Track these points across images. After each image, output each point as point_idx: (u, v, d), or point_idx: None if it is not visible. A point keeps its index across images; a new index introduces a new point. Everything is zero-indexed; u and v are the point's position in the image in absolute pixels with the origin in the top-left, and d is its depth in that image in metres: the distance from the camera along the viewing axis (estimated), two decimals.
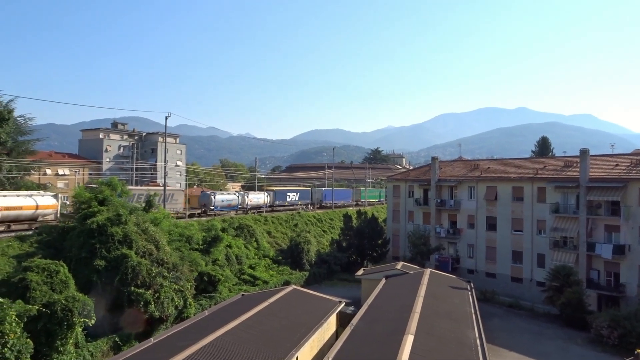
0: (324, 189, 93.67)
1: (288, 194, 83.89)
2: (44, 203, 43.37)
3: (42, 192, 45.98)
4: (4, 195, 40.84)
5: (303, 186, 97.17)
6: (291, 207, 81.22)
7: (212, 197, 66.19)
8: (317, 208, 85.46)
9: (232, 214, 66.62)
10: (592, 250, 46.28)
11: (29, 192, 44.42)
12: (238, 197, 70.60)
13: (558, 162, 56.53)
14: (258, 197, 74.80)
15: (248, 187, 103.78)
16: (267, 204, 76.16)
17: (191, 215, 61.37)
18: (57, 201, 45.28)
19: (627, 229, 44.23)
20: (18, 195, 42.49)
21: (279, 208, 78.70)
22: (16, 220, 41.12)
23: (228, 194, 72.80)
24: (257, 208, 73.67)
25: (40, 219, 42.87)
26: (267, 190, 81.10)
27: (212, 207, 65.28)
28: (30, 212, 42.40)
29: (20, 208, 41.51)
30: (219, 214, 64.47)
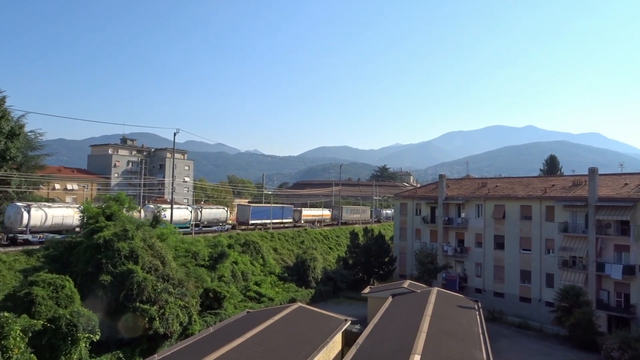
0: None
1: None
2: (326, 213, 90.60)
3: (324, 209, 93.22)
4: (316, 209, 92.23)
5: None
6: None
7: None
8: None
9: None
10: (601, 270, 45.68)
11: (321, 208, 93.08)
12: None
13: (567, 180, 56.22)
14: (387, 212, 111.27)
15: (255, 203, 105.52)
16: (392, 217, 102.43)
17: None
18: (329, 212, 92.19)
19: (637, 249, 43.67)
20: (317, 209, 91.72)
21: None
22: (317, 221, 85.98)
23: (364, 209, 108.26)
24: (388, 219, 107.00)
25: (322, 221, 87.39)
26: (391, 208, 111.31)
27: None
28: (323, 217, 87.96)
29: (322, 215, 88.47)
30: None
